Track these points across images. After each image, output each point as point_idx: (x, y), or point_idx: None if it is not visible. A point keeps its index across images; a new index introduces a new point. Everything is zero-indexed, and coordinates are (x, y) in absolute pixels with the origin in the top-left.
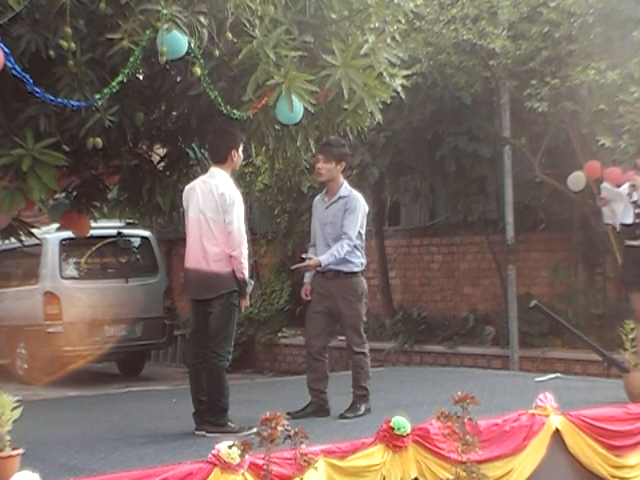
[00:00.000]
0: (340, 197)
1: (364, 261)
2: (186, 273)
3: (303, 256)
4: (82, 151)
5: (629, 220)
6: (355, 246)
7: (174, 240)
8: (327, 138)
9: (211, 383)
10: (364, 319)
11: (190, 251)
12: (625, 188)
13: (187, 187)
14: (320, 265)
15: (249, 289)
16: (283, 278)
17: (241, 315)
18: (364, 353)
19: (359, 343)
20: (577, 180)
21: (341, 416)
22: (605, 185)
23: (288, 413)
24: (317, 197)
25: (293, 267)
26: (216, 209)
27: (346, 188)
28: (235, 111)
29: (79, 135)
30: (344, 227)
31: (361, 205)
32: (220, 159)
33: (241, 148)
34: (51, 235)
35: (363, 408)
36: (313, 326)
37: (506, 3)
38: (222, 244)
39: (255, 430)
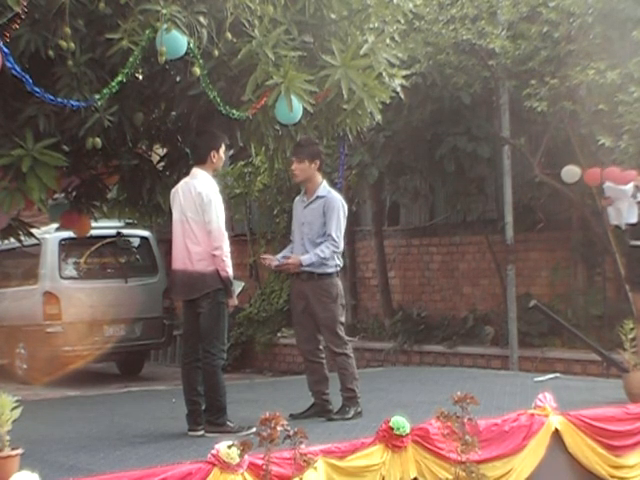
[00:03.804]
0: (318, 197)
1: (339, 262)
2: (173, 274)
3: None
4: (82, 151)
5: (634, 220)
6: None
7: None
8: (299, 139)
9: (207, 382)
10: (342, 320)
11: (176, 252)
12: (630, 188)
13: (172, 190)
14: (301, 265)
15: (238, 289)
16: (282, 278)
17: (240, 315)
18: (346, 354)
19: (339, 344)
20: (571, 172)
21: (328, 418)
22: (608, 184)
23: (291, 415)
24: (297, 197)
25: (274, 265)
26: (195, 209)
27: (325, 188)
28: (234, 111)
29: (79, 135)
30: (328, 229)
31: (341, 205)
32: (200, 160)
33: (222, 149)
34: (50, 235)
35: (352, 412)
36: (300, 330)
37: (505, 3)
38: (204, 243)
39: (254, 430)
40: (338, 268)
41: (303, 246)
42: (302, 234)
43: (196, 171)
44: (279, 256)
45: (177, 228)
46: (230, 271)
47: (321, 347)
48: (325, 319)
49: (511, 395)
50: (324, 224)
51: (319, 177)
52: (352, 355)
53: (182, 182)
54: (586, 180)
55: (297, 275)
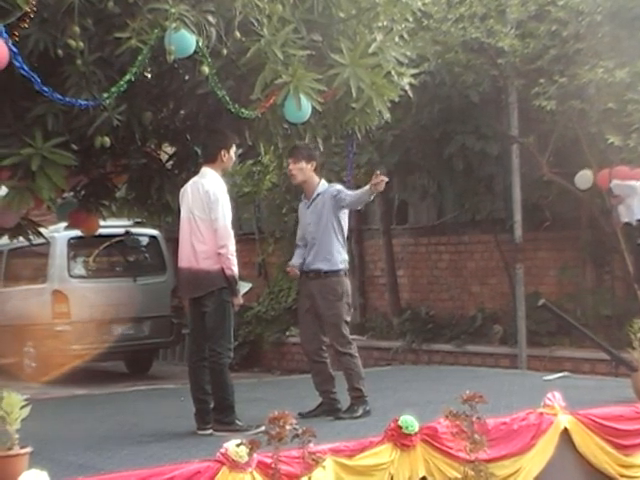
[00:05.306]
0: (319, 194)
1: (346, 258)
2: (179, 272)
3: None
4: (90, 150)
5: None
6: (339, 243)
7: None
8: (294, 144)
9: (214, 381)
10: (347, 319)
11: (182, 250)
12: (638, 185)
13: (182, 189)
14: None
15: (244, 289)
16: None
17: (248, 313)
18: (350, 354)
19: (343, 343)
20: (584, 178)
21: (337, 417)
22: (616, 182)
23: (299, 414)
24: (300, 203)
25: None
26: (202, 207)
27: (323, 185)
28: (243, 110)
29: (87, 134)
30: (342, 191)
31: (341, 187)
32: (209, 159)
33: (233, 149)
34: (59, 234)
35: (361, 410)
36: (304, 330)
37: (514, 2)
38: (210, 242)
39: (263, 429)
40: (345, 266)
41: (314, 246)
42: (309, 235)
43: (205, 170)
44: (292, 262)
45: (184, 226)
46: (235, 270)
47: (324, 347)
48: (330, 317)
49: (520, 394)
50: (331, 213)
51: (316, 178)
52: (357, 355)
53: (191, 181)
54: (599, 183)
55: (305, 274)
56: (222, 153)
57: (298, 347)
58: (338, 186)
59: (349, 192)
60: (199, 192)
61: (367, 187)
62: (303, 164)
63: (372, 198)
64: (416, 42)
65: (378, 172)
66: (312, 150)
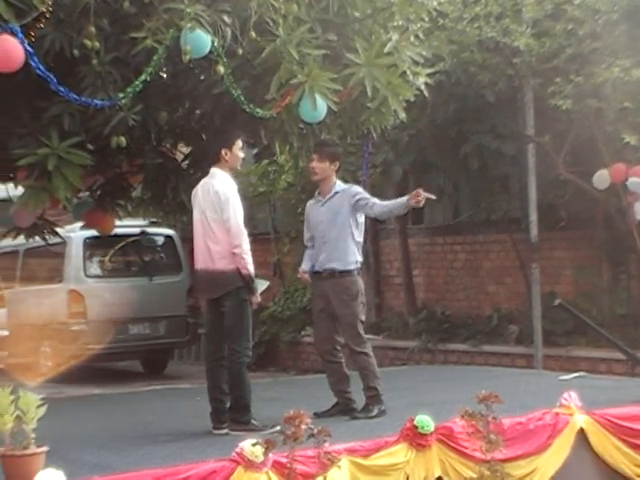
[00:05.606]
0: (336, 192)
1: (360, 259)
2: (196, 274)
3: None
4: (106, 150)
5: None
6: (355, 243)
7: None
8: (321, 138)
9: (232, 380)
10: (362, 318)
11: (197, 252)
12: None
13: (193, 190)
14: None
15: (261, 287)
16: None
17: (264, 313)
18: (365, 353)
19: (358, 342)
20: (602, 178)
21: (352, 417)
22: (633, 180)
23: (315, 413)
24: (310, 202)
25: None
26: (213, 208)
27: (340, 184)
28: (258, 110)
29: (103, 134)
30: (368, 199)
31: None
32: (213, 159)
33: (237, 146)
34: (75, 234)
35: (376, 410)
36: (318, 329)
37: (530, 1)
38: (223, 242)
39: (279, 428)
40: (359, 265)
41: (325, 244)
42: (320, 232)
43: (214, 171)
44: (303, 267)
45: (197, 228)
46: (251, 268)
47: (339, 347)
48: (345, 317)
49: (536, 394)
50: (348, 213)
51: (334, 177)
52: (372, 354)
53: (202, 182)
54: (612, 177)
55: (318, 274)
56: (223, 152)
57: (313, 347)
58: (358, 188)
59: (377, 202)
60: (209, 193)
61: (404, 199)
62: (327, 164)
63: (405, 211)
64: (431, 41)
65: (421, 190)
66: (338, 148)
